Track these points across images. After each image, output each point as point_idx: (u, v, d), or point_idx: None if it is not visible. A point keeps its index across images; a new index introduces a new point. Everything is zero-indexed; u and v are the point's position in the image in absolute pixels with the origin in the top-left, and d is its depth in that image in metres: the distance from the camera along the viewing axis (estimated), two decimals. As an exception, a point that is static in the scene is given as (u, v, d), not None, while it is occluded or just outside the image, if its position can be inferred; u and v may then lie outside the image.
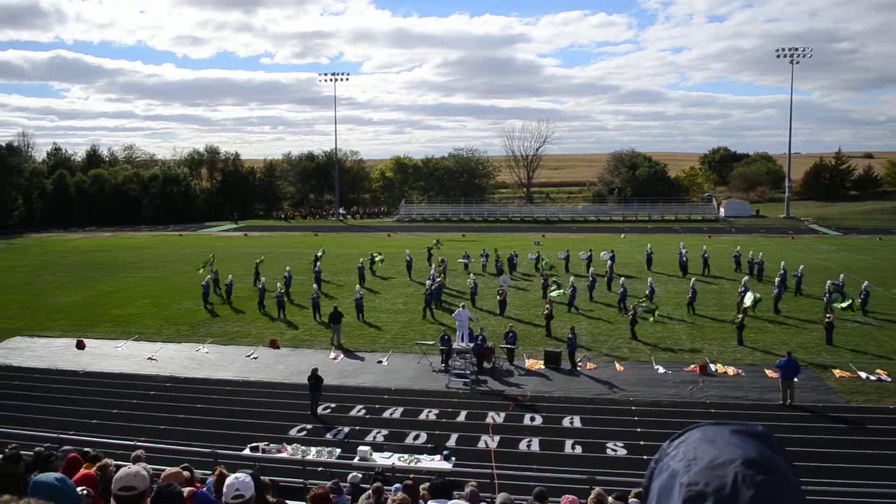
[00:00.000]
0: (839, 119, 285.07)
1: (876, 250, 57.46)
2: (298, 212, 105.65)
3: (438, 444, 18.58)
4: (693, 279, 37.45)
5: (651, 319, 29.73)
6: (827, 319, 28.96)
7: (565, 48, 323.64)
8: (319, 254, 47.09)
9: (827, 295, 33.70)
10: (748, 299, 31.08)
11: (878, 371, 24.82)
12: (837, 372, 24.86)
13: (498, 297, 35.54)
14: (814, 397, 22.45)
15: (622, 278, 37.45)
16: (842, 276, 37.17)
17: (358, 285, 37.66)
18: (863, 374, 24.53)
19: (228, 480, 6.09)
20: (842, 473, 16.92)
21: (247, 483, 6.00)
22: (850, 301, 29.78)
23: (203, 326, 33.13)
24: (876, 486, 16.05)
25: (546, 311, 31.16)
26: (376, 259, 45.95)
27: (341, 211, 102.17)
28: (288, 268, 41.31)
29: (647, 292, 35.07)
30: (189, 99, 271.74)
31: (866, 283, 35.35)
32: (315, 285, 37.38)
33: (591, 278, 38.49)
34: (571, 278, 38.35)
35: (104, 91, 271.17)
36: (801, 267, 40.03)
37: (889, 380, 24.01)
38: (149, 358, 27.95)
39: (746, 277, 37.38)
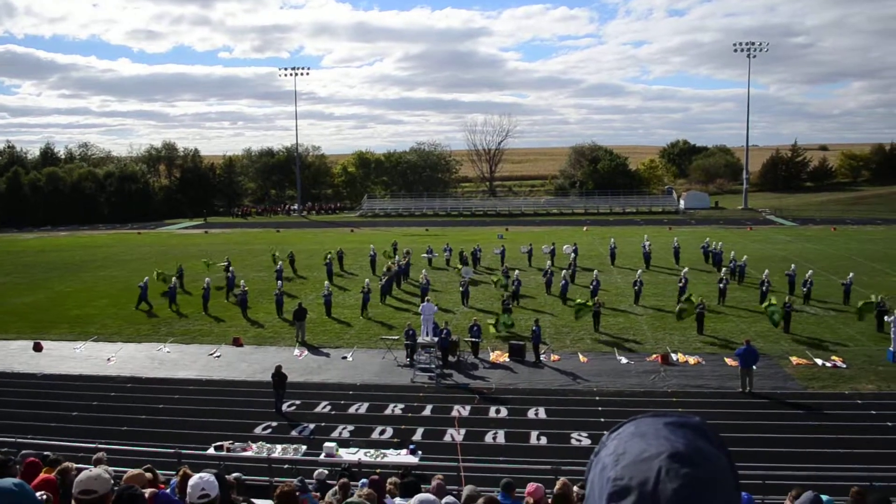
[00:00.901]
0: (795, 112, 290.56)
1: (830, 240, 58.82)
2: (254, 208, 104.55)
3: (404, 439, 18.61)
4: (640, 271, 37.57)
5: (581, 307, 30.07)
6: (785, 308, 29.38)
7: (527, 42, 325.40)
8: (276, 253, 46.51)
9: (766, 284, 33.88)
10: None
11: (834, 358, 25.42)
12: (794, 359, 25.41)
13: (460, 289, 35.70)
14: (772, 384, 22.93)
15: (595, 271, 37.47)
16: (793, 265, 37.68)
17: (326, 282, 37.30)
18: (819, 361, 25.11)
19: (192, 480, 6.04)
20: (800, 458, 17.34)
21: (211, 482, 5.96)
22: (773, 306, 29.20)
23: (164, 325, 32.68)
24: (832, 470, 16.46)
25: (504, 303, 31.04)
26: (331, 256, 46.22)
27: (295, 207, 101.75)
28: (232, 268, 40.84)
29: (591, 285, 34.99)
30: (145, 94, 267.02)
31: (810, 271, 35.92)
32: (278, 282, 37.00)
33: (548, 272, 38.54)
34: (516, 272, 38.15)
35: (57, 87, 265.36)
36: (745, 258, 40.79)
37: (844, 366, 24.61)
38: (108, 359, 27.49)
39: (686, 269, 37.71)
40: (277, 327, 31.99)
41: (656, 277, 40.99)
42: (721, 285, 34.61)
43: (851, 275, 34.75)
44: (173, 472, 11.20)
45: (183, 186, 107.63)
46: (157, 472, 10.05)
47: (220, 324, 32.82)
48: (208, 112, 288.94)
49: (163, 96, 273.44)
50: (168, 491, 8.27)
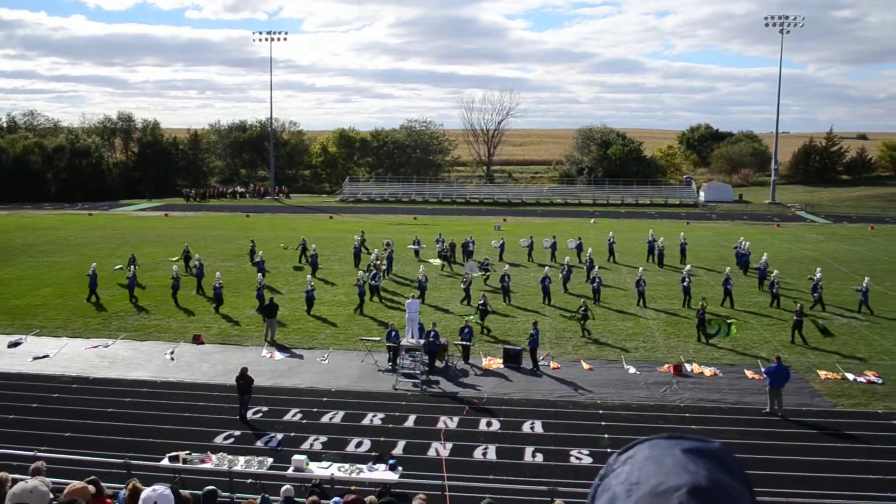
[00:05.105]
0: (834, 95, 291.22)
1: (867, 241, 59.06)
2: (198, 191, 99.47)
3: (383, 453, 18.65)
4: (641, 269, 37.39)
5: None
6: (795, 318, 29.43)
7: (536, 9, 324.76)
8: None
9: (776, 286, 34.23)
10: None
11: (867, 372, 25.56)
12: (823, 373, 25.55)
13: (462, 286, 35.77)
14: (796, 400, 23.02)
15: (596, 267, 37.24)
16: (818, 270, 37.46)
17: (310, 275, 37.22)
18: (850, 376, 25.24)
19: (144, 494, 6.05)
20: (826, 484, 17.42)
21: (166, 496, 5.97)
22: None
23: (116, 319, 32.61)
24: (863, 499, 16.58)
25: (481, 305, 31.01)
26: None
27: (239, 189, 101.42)
28: (198, 257, 40.54)
29: (592, 284, 35.52)
30: (102, 57, 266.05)
31: (867, 279, 35.64)
32: (259, 275, 36.69)
33: (565, 268, 38.36)
34: (506, 266, 38.12)
35: (0, 46, 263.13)
36: (765, 256, 40.75)
37: (879, 381, 24.73)
38: (36, 358, 27.40)
39: (688, 267, 37.79)
40: (244, 324, 31.95)
41: (670, 278, 41.10)
42: (727, 286, 34.94)
43: (867, 280, 35.07)
44: (121, 485, 11.20)
45: (141, 163, 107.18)
46: (103, 484, 10.05)
47: (181, 319, 32.76)
48: (173, 79, 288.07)
49: (122, 60, 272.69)
50: (115, 506, 8.28)
